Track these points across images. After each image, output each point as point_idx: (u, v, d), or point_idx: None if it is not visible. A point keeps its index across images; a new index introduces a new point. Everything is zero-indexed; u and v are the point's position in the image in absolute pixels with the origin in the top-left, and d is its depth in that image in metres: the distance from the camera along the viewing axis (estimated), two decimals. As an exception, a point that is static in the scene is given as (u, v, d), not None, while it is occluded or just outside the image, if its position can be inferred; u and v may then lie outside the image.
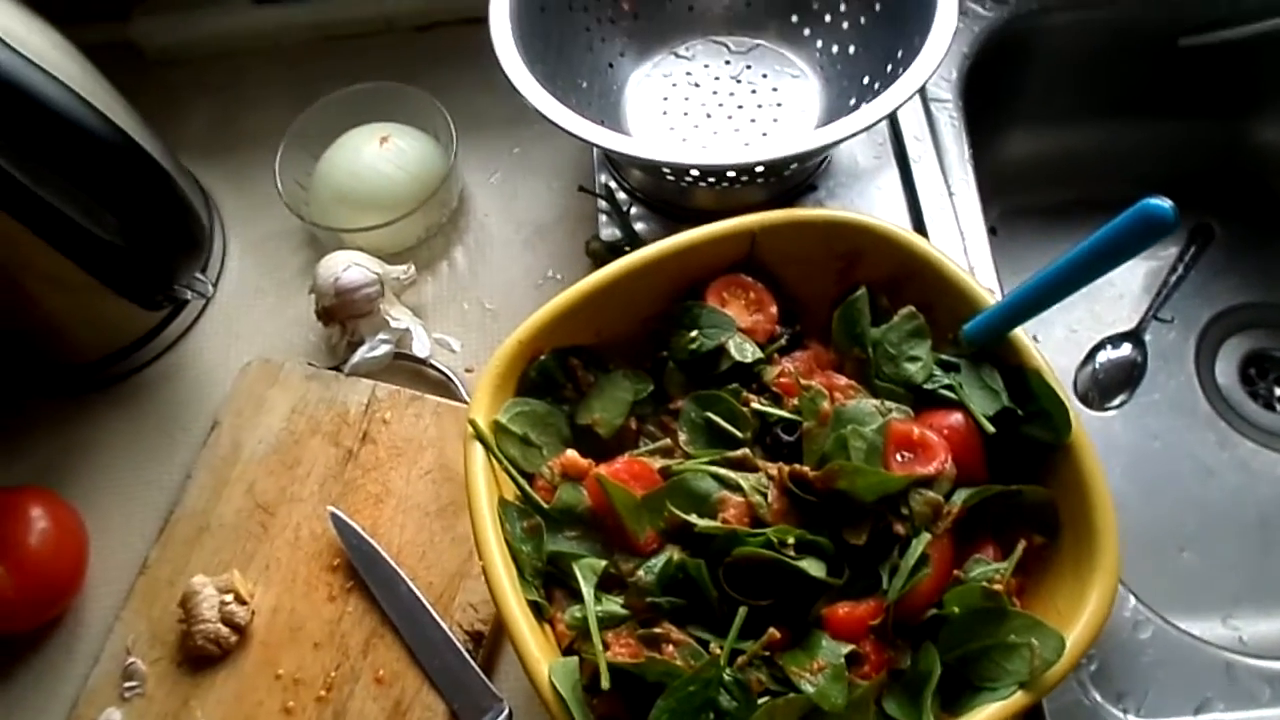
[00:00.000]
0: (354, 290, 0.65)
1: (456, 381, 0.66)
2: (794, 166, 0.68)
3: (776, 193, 0.70)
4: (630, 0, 0.72)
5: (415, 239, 0.71)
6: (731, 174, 0.63)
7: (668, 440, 0.55)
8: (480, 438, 0.52)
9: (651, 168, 0.65)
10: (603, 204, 0.71)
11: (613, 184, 0.72)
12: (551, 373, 0.56)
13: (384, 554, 0.60)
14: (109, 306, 0.65)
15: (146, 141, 0.58)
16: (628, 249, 0.69)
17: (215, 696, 0.58)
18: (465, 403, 0.65)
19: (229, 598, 0.59)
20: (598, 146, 0.60)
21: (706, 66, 0.74)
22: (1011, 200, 0.74)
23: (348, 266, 0.65)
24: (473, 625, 0.58)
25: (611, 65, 0.73)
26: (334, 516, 0.61)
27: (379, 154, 0.69)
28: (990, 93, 0.79)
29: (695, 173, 0.62)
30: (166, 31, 0.80)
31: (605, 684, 0.43)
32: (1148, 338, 0.83)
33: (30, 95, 0.51)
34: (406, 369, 0.67)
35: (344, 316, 0.66)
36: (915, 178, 0.71)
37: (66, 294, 0.64)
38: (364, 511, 0.61)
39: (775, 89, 0.72)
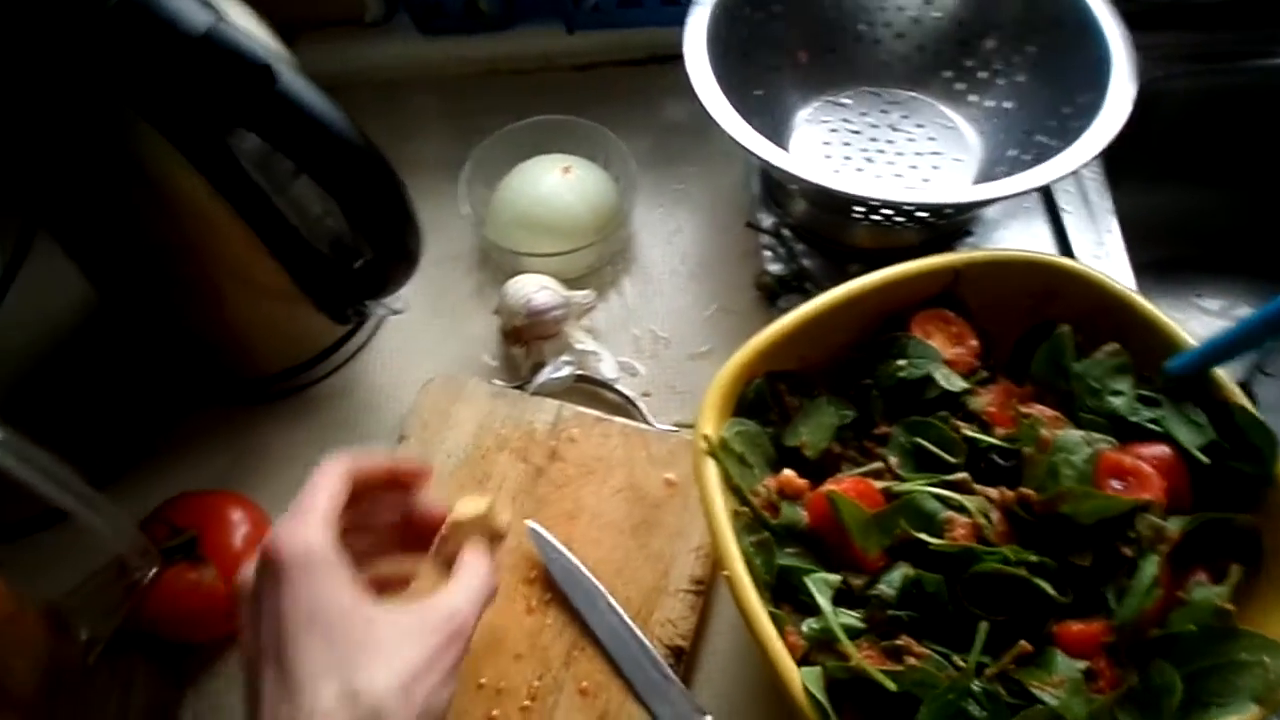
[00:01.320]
0: (544, 312, 0.67)
1: (639, 405, 0.68)
2: (970, 213, 0.72)
3: (933, 235, 0.74)
4: (803, 50, 0.76)
5: (587, 267, 0.73)
6: (922, 215, 0.66)
7: (879, 463, 0.57)
8: (713, 454, 0.54)
9: (842, 202, 0.67)
10: (767, 239, 0.74)
11: (773, 220, 0.75)
12: (764, 396, 0.58)
13: (582, 569, 0.61)
14: (299, 319, 0.67)
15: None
16: (796, 283, 0.73)
17: (418, 704, 0.58)
18: (649, 425, 0.67)
19: None
20: (805, 181, 0.63)
21: (864, 114, 0.78)
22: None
23: (539, 289, 0.67)
24: (672, 640, 0.60)
25: (778, 107, 0.76)
26: (533, 531, 0.62)
27: (562, 183, 0.72)
28: (1115, 152, 0.83)
29: (888, 211, 0.66)
30: (332, 57, 0.82)
31: (891, 686, 0.45)
32: (1257, 390, 0.87)
33: (296, 99, 0.53)
34: (584, 390, 0.69)
35: (531, 337, 0.68)
36: (1066, 227, 0.75)
37: (263, 303, 0.65)
38: (558, 527, 0.63)
39: (932, 138, 0.76)
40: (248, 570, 0.46)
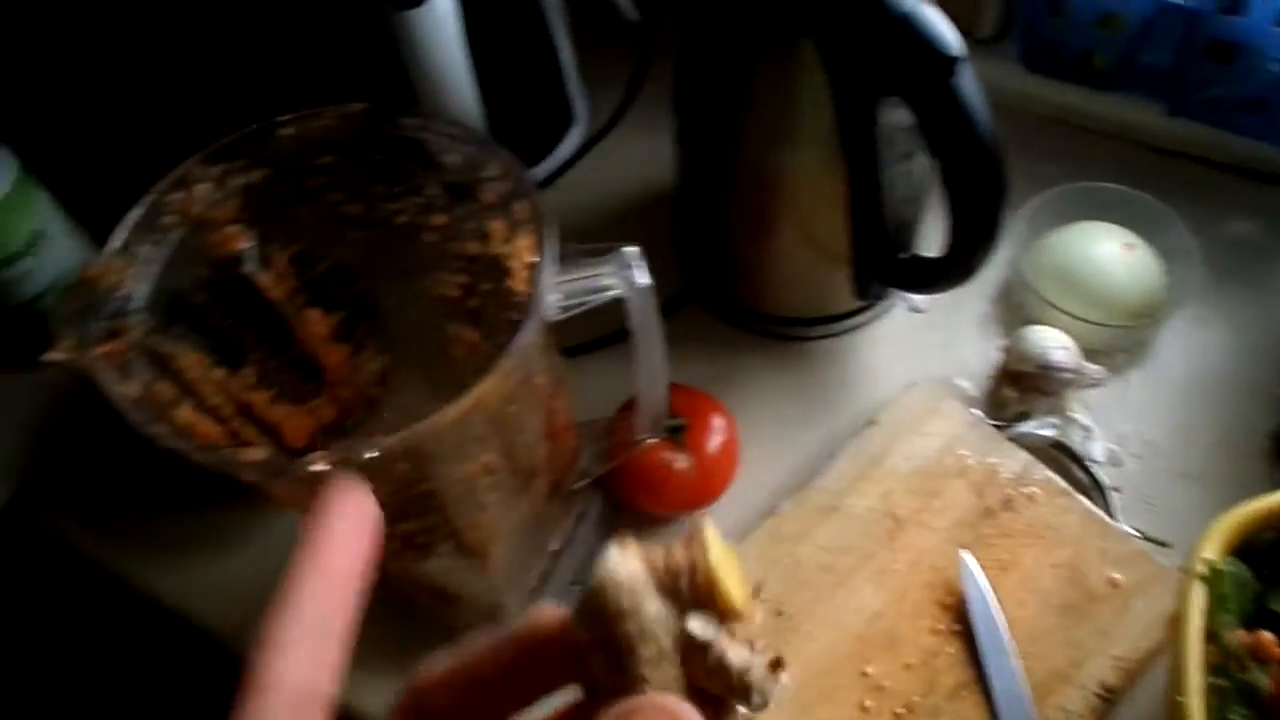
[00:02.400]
0: (1057, 371, 0.67)
1: (1112, 497, 0.67)
2: None
3: None
4: None
5: (1105, 344, 0.72)
6: None
7: (1372, 673, 0.53)
8: (1209, 580, 0.53)
9: None
10: (1303, 397, 0.70)
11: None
12: (1269, 550, 0.55)
13: (1002, 619, 0.62)
14: (826, 280, 0.72)
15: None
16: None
17: (804, 657, 0.62)
18: (1112, 520, 0.66)
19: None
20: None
21: None
22: None
23: (1060, 347, 0.67)
24: (1061, 729, 0.59)
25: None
26: (965, 562, 0.63)
27: (1119, 257, 0.71)
28: None
29: None
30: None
31: None
32: None
33: (964, 98, 0.56)
34: (1054, 458, 0.69)
35: (1030, 387, 0.68)
36: None
37: (808, 253, 0.70)
38: (987, 571, 0.63)
39: None
40: None
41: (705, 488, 0.66)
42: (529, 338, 0.42)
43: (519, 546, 0.59)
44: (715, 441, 0.66)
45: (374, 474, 0.44)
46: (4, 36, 0.87)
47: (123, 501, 0.75)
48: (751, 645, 0.23)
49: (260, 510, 0.73)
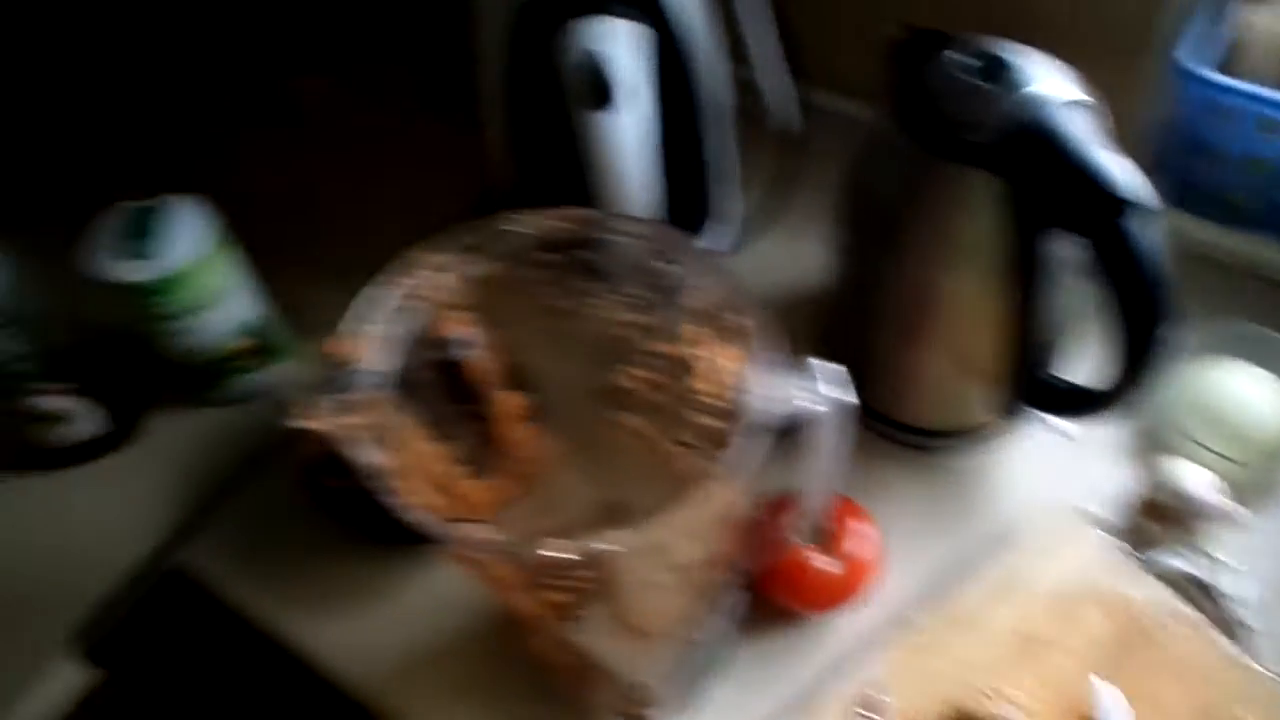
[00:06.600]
0: (1203, 509, 0.68)
1: (1253, 638, 0.67)
2: None
3: None
4: None
5: (1239, 483, 0.73)
6: None
7: None
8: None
9: None
10: None
11: None
12: None
13: (1140, 753, 0.62)
14: (964, 394, 0.74)
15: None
16: None
17: (937, 773, 0.63)
18: (1255, 664, 0.65)
19: None
20: None
21: None
22: None
23: (1210, 488, 0.68)
24: None
25: None
26: (1103, 691, 0.64)
27: (1265, 396, 0.73)
28: None
29: None
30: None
31: None
32: None
33: (1134, 242, 0.59)
34: (1189, 593, 0.69)
35: (1172, 522, 0.69)
36: None
37: (956, 370, 0.73)
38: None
39: None
40: None
41: (848, 591, 0.67)
42: (743, 449, 0.44)
43: (674, 632, 0.61)
44: (863, 547, 0.68)
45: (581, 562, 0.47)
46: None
47: (268, 550, 0.78)
48: None
49: (405, 567, 0.75)
